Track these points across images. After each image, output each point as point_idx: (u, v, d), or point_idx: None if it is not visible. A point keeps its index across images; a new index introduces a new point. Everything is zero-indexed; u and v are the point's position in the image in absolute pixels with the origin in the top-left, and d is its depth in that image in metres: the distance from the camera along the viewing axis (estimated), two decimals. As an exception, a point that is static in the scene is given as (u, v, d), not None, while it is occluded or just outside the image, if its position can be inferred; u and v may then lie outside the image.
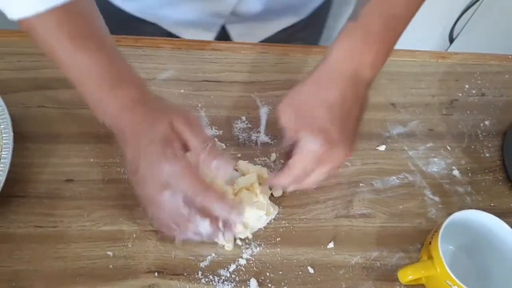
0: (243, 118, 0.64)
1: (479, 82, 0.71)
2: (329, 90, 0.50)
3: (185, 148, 0.48)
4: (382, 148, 0.63)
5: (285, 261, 0.54)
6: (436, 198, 0.60)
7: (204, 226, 0.47)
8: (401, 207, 0.59)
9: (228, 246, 0.54)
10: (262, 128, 0.64)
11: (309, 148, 0.50)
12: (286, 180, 0.52)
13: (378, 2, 0.50)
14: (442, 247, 0.49)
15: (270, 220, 0.57)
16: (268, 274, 0.53)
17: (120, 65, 0.50)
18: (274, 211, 0.56)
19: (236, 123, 0.63)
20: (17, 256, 0.52)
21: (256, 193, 0.54)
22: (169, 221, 0.48)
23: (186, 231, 0.48)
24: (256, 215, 0.54)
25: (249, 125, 0.63)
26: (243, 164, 0.58)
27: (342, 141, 0.50)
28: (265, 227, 0.56)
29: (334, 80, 0.51)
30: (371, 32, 0.50)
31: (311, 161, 0.50)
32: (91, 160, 0.59)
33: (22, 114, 0.61)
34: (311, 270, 0.54)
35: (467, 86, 0.70)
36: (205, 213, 0.47)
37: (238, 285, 0.52)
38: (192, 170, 0.47)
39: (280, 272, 0.54)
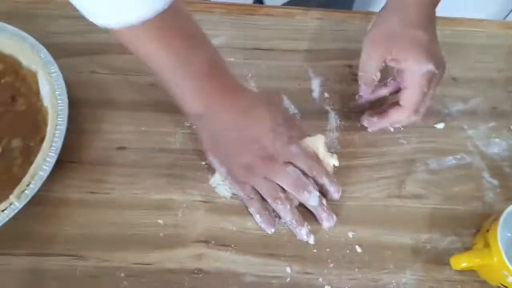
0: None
1: (551, 56, 0.65)
2: (412, 15, 0.53)
3: None
4: (440, 126, 0.60)
5: (333, 238, 0.54)
6: (495, 182, 0.57)
7: (314, 199, 0.53)
8: (456, 189, 0.57)
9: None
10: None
11: (423, 70, 0.52)
12: (404, 114, 0.55)
13: None
14: (500, 234, 0.47)
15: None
16: (314, 251, 0.53)
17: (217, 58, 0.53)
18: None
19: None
20: (73, 220, 0.54)
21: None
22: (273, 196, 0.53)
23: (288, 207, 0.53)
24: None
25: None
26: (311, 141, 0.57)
27: (441, 59, 0.54)
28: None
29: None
30: None
31: (426, 84, 0.52)
32: (143, 128, 0.59)
33: (74, 79, 0.61)
34: (358, 249, 0.53)
35: (537, 61, 0.65)
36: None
37: (282, 258, 0.53)
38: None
39: (328, 250, 0.53)
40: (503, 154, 0.59)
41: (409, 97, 0.53)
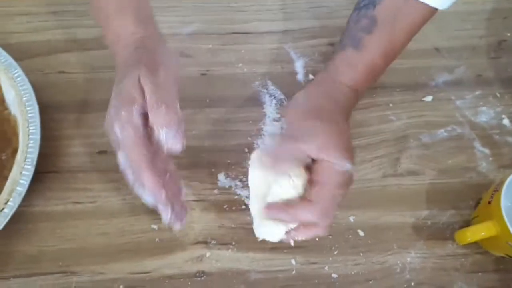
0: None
1: (529, 19, 0.65)
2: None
3: None
4: (429, 98, 0.60)
5: (334, 225, 0.53)
6: (486, 151, 0.57)
7: (145, 197, 0.44)
8: (450, 161, 0.57)
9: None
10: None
11: (340, 171, 0.43)
12: (315, 214, 0.43)
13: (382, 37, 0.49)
14: (503, 205, 0.47)
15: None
16: (317, 240, 0.52)
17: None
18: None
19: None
20: (59, 234, 0.50)
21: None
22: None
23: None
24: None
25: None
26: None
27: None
28: (311, 191, 0.54)
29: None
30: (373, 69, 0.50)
31: (342, 187, 0.44)
32: (123, 128, 0.55)
33: (41, 81, 0.56)
34: (361, 233, 0.52)
35: (516, 24, 0.65)
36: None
37: (285, 251, 0.51)
38: (139, 141, 0.42)
39: (330, 237, 0.52)
40: (491, 122, 0.59)
41: (325, 193, 0.43)
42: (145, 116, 0.42)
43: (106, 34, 0.48)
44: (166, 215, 0.44)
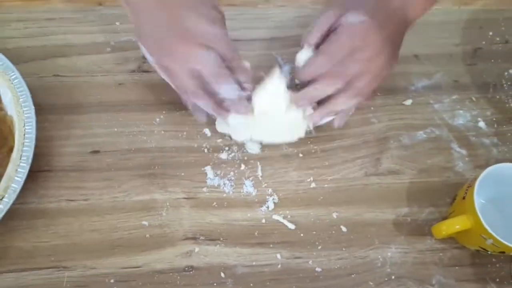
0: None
1: (503, 29, 0.69)
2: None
3: None
4: (408, 102, 0.62)
5: (318, 221, 0.55)
6: (463, 151, 0.60)
7: (232, 90, 0.50)
8: (429, 161, 0.59)
9: (252, 149, 0.56)
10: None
11: (349, 20, 0.48)
12: (314, 69, 0.50)
13: None
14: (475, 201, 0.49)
15: (308, 131, 0.56)
16: (302, 235, 0.54)
17: None
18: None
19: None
20: (53, 231, 0.52)
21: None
22: (196, 87, 0.49)
23: (211, 98, 0.50)
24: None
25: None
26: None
27: (386, 45, 0.49)
28: (296, 190, 0.56)
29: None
30: None
31: (347, 41, 0.48)
32: (115, 129, 0.57)
33: (37, 84, 0.58)
34: (344, 229, 0.55)
35: (490, 33, 0.68)
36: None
37: (271, 246, 0.53)
38: (228, 37, 0.49)
39: (314, 233, 0.54)
40: (468, 124, 0.62)
41: (332, 42, 0.50)
42: None
43: None
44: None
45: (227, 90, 0.50)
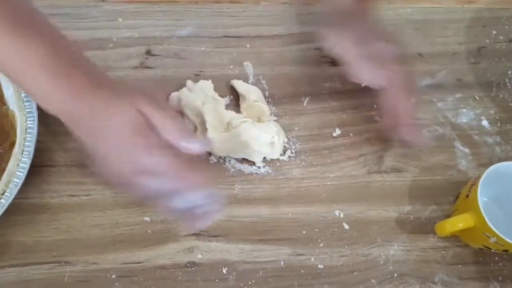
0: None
1: (507, 27, 0.69)
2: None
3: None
4: (412, 101, 0.62)
5: (320, 218, 0.55)
6: (466, 150, 0.60)
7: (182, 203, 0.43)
8: (432, 160, 0.59)
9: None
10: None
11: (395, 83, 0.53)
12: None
13: None
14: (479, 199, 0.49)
15: (284, 148, 0.57)
16: (304, 232, 0.54)
17: (66, 52, 0.42)
18: (282, 135, 0.57)
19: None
20: (55, 226, 0.52)
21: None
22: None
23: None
24: (265, 139, 0.55)
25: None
26: (238, 83, 0.59)
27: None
28: (298, 186, 0.56)
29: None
30: None
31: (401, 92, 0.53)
32: (117, 125, 0.57)
33: (39, 79, 0.58)
34: (346, 226, 0.54)
35: (494, 32, 0.68)
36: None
37: (273, 242, 0.53)
38: (169, 152, 0.42)
39: (316, 230, 0.54)
40: (471, 123, 0.62)
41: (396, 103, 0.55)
42: None
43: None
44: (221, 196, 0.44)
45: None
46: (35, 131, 0.52)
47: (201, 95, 0.57)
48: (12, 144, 0.52)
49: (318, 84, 0.62)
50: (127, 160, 0.41)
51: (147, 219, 0.53)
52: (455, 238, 0.54)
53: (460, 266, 0.53)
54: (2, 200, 0.49)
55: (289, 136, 0.58)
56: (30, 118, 0.53)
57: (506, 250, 0.50)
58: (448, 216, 0.55)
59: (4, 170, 0.50)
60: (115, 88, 0.43)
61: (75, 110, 0.41)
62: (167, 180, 0.42)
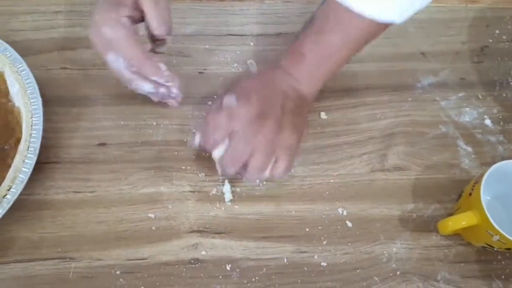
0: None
1: (510, 27, 0.69)
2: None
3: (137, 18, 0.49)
4: (415, 99, 0.62)
5: (323, 216, 0.55)
6: (469, 149, 0.60)
7: (146, 87, 0.51)
8: (435, 158, 0.59)
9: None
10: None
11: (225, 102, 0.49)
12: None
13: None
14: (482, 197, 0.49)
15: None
16: (307, 230, 0.54)
17: None
18: None
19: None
20: (60, 222, 0.52)
21: None
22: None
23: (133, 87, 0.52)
24: None
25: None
26: None
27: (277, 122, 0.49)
28: (301, 184, 0.56)
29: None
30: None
31: (223, 114, 0.49)
32: (122, 122, 0.58)
33: (44, 77, 0.59)
34: (349, 224, 0.55)
35: (497, 32, 0.68)
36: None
37: (277, 240, 0.53)
38: (133, 39, 0.48)
39: (319, 227, 0.54)
40: (474, 122, 0.62)
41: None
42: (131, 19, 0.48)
43: None
44: (176, 89, 0.52)
45: (142, 88, 0.52)
46: (40, 127, 0.52)
47: None
48: (18, 141, 0.52)
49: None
50: (98, 31, 0.48)
51: (152, 215, 0.53)
52: (457, 236, 0.54)
53: (462, 264, 0.53)
54: (8, 196, 0.49)
55: (292, 134, 0.58)
56: (36, 115, 0.53)
57: (509, 249, 0.50)
58: (451, 215, 0.55)
59: (10, 166, 0.51)
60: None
61: None
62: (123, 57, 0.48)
